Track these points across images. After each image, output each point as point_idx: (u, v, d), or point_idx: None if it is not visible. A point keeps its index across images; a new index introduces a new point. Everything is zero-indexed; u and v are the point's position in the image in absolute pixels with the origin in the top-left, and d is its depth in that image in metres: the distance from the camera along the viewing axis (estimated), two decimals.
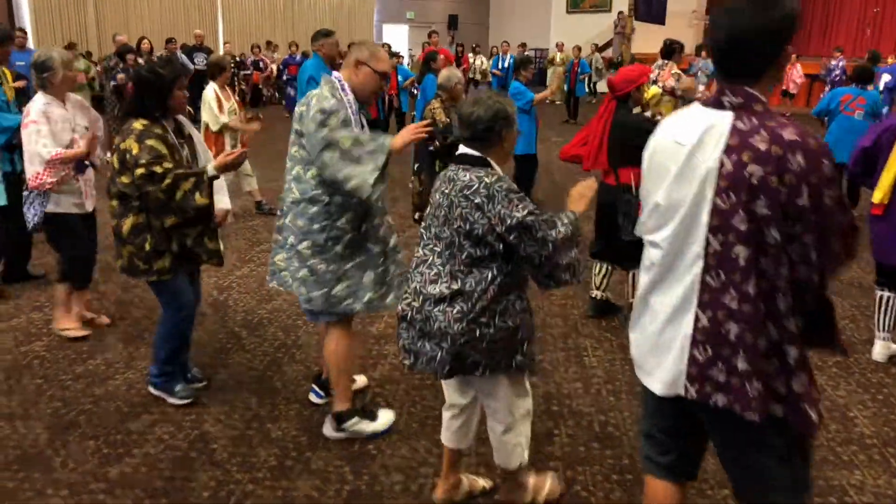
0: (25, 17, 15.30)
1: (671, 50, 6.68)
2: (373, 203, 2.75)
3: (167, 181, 2.84)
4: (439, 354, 2.24)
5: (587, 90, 17.24)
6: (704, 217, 1.62)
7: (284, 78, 15.03)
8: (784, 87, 15.32)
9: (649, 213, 1.80)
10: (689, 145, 1.65)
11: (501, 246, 2.16)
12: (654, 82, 6.63)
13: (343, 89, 2.77)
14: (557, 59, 17.96)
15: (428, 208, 2.40)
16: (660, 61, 6.75)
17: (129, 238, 3.00)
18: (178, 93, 3.01)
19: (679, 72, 6.62)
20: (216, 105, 6.10)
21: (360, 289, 2.86)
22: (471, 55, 18.06)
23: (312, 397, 3.38)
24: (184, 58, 12.21)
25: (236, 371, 3.69)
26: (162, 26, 16.73)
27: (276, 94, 16.16)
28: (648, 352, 1.81)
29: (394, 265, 2.96)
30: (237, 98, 6.83)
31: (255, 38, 18.05)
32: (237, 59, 14.45)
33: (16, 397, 3.39)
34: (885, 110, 6.58)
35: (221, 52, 14.59)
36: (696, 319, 1.66)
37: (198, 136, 3.29)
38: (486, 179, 2.17)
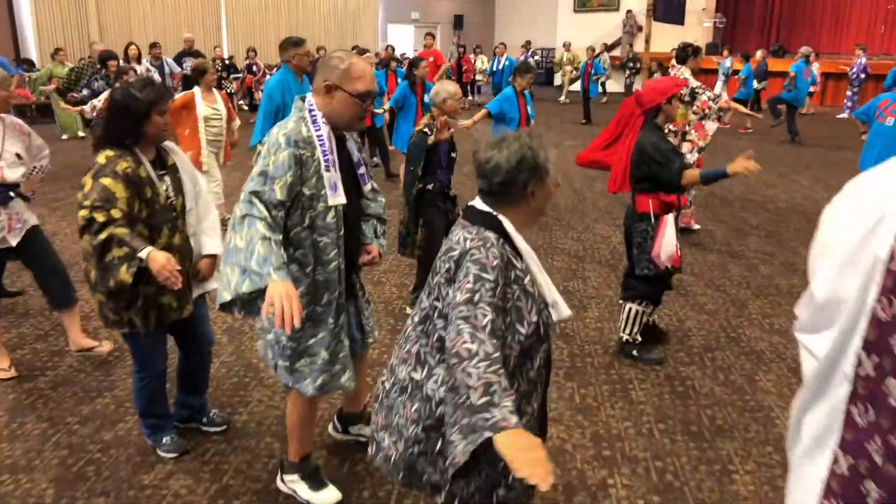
0: (27, 23, 15.04)
1: (685, 54, 6.35)
2: (330, 275, 2.41)
3: (102, 236, 2.45)
4: (393, 456, 1.83)
5: (599, 90, 16.95)
6: (862, 324, 1.10)
7: None
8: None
9: (805, 304, 1.23)
10: (870, 220, 1.08)
11: None
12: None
13: (315, 122, 2.32)
14: (564, 59, 17.68)
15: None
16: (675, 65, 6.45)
17: (97, 285, 2.63)
18: (156, 119, 2.63)
19: (689, 77, 6.21)
20: (178, 100, 5.92)
21: (315, 370, 2.49)
22: (472, 56, 17.74)
23: (330, 430, 3.17)
24: (171, 63, 11.90)
25: (256, 410, 3.42)
26: (165, 30, 16.45)
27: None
28: (791, 485, 1.30)
29: (348, 340, 2.57)
30: (232, 106, 6.55)
31: (259, 40, 17.77)
32: (225, 61, 14.14)
33: (19, 445, 3.12)
34: None
35: (213, 56, 14.32)
36: (835, 462, 1.16)
37: (187, 167, 2.90)
38: (469, 244, 1.70)
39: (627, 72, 18.17)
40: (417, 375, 1.77)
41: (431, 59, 11.98)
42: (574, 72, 17.33)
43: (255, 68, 15.12)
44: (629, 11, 19.79)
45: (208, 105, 6.06)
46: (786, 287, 5.15)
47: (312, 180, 2.31)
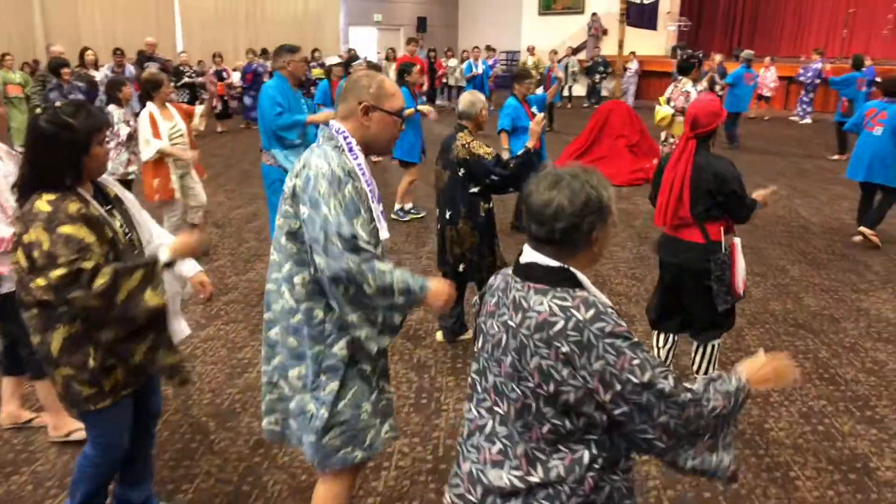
0: None
1: (689, 66, 6.07)
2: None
3: (101, 281, 2.02)
4: None
5: (561, 96, 16.64)
6: None
7: (242, 86, 14.20)
8: (759, 92, 14.92)
9: None
10: None
11: (604, 417, 1.45)
12: (669, 101, 6.05)
13: (351, 150, 2.05)
14: (529, 63, 17.36)
15: (477, 337, 1.66)
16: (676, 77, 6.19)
17: (63, 357, 2.16)
18: (97, 150, 2.19)
19: (690, 90, 6.02)
20: (150, 128, 5.26)
21: (359, 430, 2.12)
22: (443, 59, 17.35)
23: None
24: (132, 70, 11.25)
25: (205, 487, 2.93)
26: (115, 34, 15.65)
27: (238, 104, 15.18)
28: None
29: (386, 380, 2.25)
30: (203, 113, 5.99)
31: (216, 45, 17.05)
32: (193, 70, 13.36)
33: None
34: None
35: (178, 62, 13.55)
36: None
37: (129, 197, 2.44)
38: (577, 314, 1.42)
39: (597, 76, 17.96)
40: (536, 476, 1.51)
41: (418, 65, 11.58)
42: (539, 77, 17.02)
43: (224, 74, 14.39)
44: (594, 14, 19.61)
45: (167, 122, 5.38)
46: (781, 313, 4.84)
47: (367, 213, 2.05)
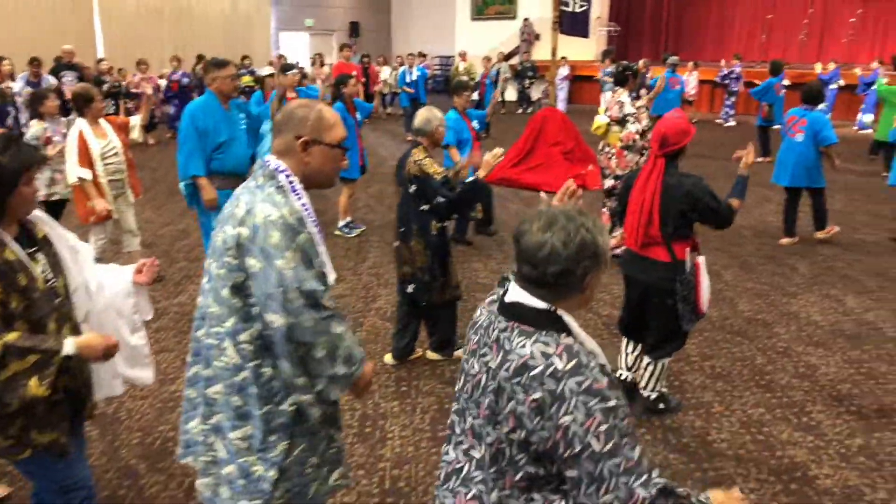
0: None
1: (623, 77, 6.16)
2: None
3: None
4: None
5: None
6: None
7: (166, 95, 13.78)
8: (683, 96, 15.39)
9: None
10: None
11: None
12: (605, 111, 6.13)
13: (294, 190, 1.89)
14: (460, 70, 17.32)
15: (460, 376, 1.60)
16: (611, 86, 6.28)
17: None
18: (24, 190, 1.99)
19: (625, 100, 6.11)
20: (76, 151, 4.85)
21: (304, 485, 2.00)
22: (377, 66, 17.16)
23: None
24: (50, 79, 10.67)
25: None
26: (31, 40, 14.85)
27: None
28: None
29: (336, 428, 2.12)
30: (140, 123, 5.51)
31: (141, 51, 16.41)
32: (117, 81, 12.74)
33: None
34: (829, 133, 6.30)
35: (98, 70, 12.91)
36: None
37: (61, 233, 2.24)
38: (557, 362, 1.37)
39: (527, 81, 18.15)
40: None
41: (354, 73, 11.30)
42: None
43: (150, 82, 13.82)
44: (526, 19, 19.86)
45: (100, 140, 4.99)
46: (718, 319, 4.94)
47: (317, 259, 1.92)
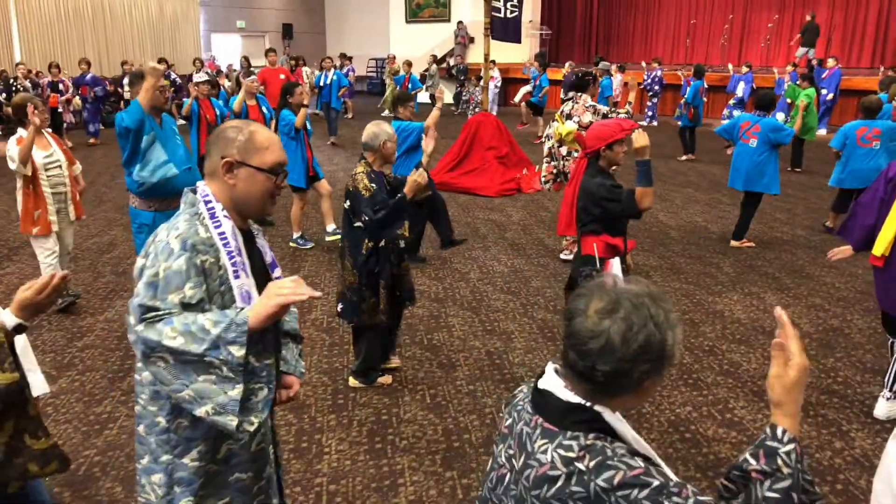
0: None
1: (584, 83, 6.33)
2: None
3: None
4: None
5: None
6: None
7: (81, 99, 13.23)
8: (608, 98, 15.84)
9: None
10: None
11: None
12: (569, 117, 6.25)
13: (213, 217, 1.78)
14: (387, 72, 17.20)
15: (491, 459, 1.43)
16: (571, 94, 6.44)
17: None
18: None
19: (594, 104, 6.27)
20: (16, 150, 4.60)
21: None
22: (306, 70, 16.82)
23: None
24: None
25: None
26: None
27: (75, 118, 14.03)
28: None
29: (262, 468, 1.95)
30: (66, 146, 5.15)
31: (61, 54, 15.76)
32: (12, 79, 12.13)
33: None
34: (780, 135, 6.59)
35: (15, 75, 12.31)
36: None
37: None
38: (580, 464, 1.17)
39: (457, 84, 18.29)
40: None
41: (282, 76, 11.06)
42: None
43: (61, 87, 13.23)
44: (460, 22, 19.99)
45: (41, 150, 4.78)
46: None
47: (218, 294, 1.75)
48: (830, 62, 13.80)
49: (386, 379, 4.13)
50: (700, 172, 10.81)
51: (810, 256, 6.59)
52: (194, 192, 1.83)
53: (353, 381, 4.09)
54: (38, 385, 2.28)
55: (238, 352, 1.64)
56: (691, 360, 4.46)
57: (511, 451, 1.31)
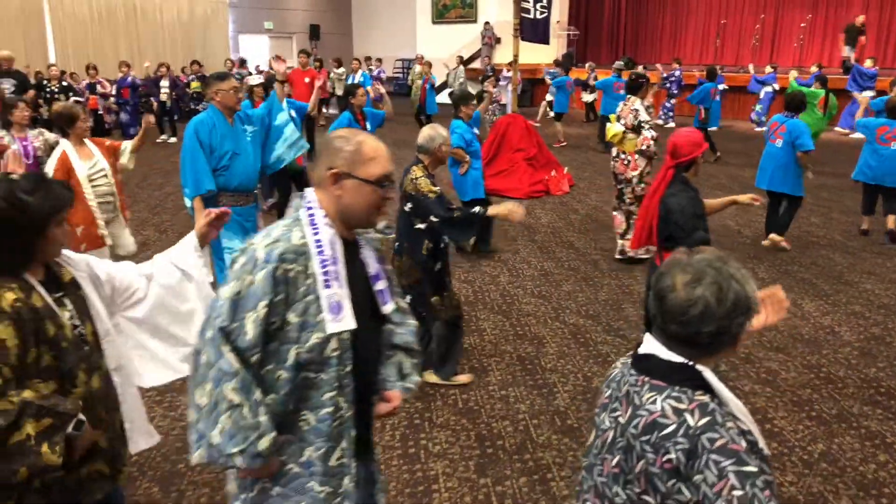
0: None
1: (638, 85, 6.31)
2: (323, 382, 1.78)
3: (1, 407, 1.66)
4: None
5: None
6: None
7: (118, 102, 13.50)
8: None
9: None
10: None
11: None
12: (619, 119, 6.24)
13: (313, 224, 1.78)
14: (416, 73, 17.16)
15: (591, 432, 1.53)
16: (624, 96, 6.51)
17: None
18: (54, 232, 1.88)
19: (639, 107, 6.23)
20: (57, 169, 4.44)
21: None
22: (330, 69, 16.82)
23: None
24: None
25: None
26: None
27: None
28: None
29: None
30: (133, 149, 4.95)
31: (95, 56, 16.01)
32: (44, 81, 12.23)
33: None
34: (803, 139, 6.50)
35: (48, 75, 12.48)
36: None
37: (88, 272, 2.08)
38: (690, 419, 1.29)
39: (485, 85, 18.18)
40: None
41: (308, 79, 11.12)
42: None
43: (99, 88, 13.43)
44: (487, 23, 19.93)
45: (86, 161, 4.60)
46: None
47: (302, 303, 1.73)
48: (868, 62, 13.51)
49: (466, 377, 4.15)
50: (731, 175, 10.64)
51: (848, 262, 6.45)
52: (301, 197, 1.85)
53: (431, 378, 4.11)
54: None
55: (201, 460, 1.73)
56: (727, 367, 4.38)
57: (616, 413, 1.42)
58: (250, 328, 1.69)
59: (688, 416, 1.29)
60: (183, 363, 2.26)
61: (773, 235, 6.78)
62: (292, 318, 1.73)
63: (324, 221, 1.79)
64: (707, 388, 1.35)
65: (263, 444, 1.69)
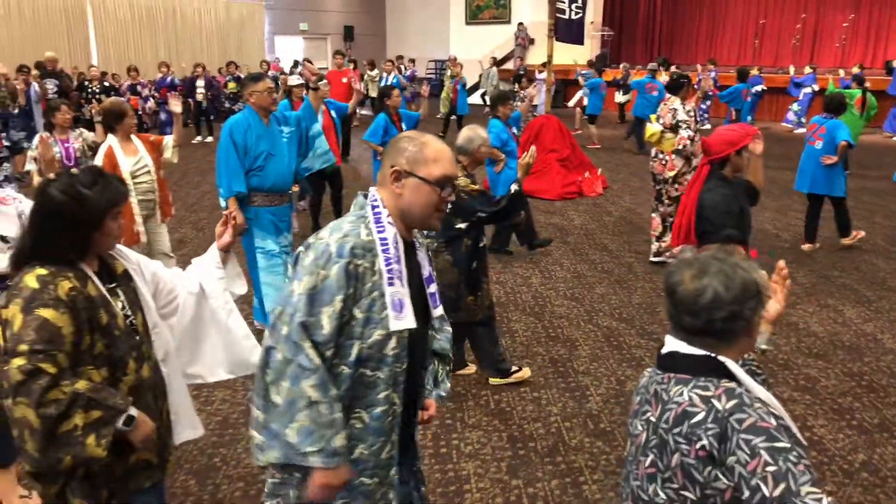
0: None
1: (677, 85, 6.28)
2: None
3: (54, 396, 1.72)
4: None
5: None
6: None
7: (156, 102, 13.71)
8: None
9: None
10: None
11: None
12: (658, 118, 6.22)
13: (378, 221, 1.80)
14: (448, 73, 17.15)
15: (627, 454, 1.54)
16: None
17: (39, 459, 1.82)
18: (111, 225, 1.94)
19: (677, 107, 6.19)
20: (103, 165, 4.46)
21: None
22: (364, 71, 16.93)
23: None
24: (36, 87, 10.54)
25: None
26: (23, 46, 14.79)
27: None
28: None
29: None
30: (174, 143, 5.01)
31: (135, 58, 16.35)
32: (86, 81, 12.44)
33: None
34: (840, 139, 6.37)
35: (89, 76, 12.76)
36: None
37: (137, 266, 2.14)
38: (717, 403, 1.31)
39: (517, 86, 18.12)
40: None
41: (345, 79, 11.22)
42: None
43: (139, 88, 13.71)
44: (520, 24, 19.88)
45: (130, 158, 4.63)
46: None
47: (367, 299, 1.76)
48: None
49: (524, 373, 4.17)
50: (770, 178, 10.41)
51: (892, 267, 6.28)
52: (365, 196, 1.87)
53: (494, 380, 4.15)
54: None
55: (277, 460, 1.74)
56: (766, 373, 4.29)
57: (646, 414, 1.44)
58: (326, 322, 1.70)
59: (715, 402, 1.31)
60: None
61: (843, 240, 6.75)
62: (357, 313, 1.75)
63: (387, 219, 1.81)
64: (732, 378, 1.37)
65: (340, 440, 1.70)
